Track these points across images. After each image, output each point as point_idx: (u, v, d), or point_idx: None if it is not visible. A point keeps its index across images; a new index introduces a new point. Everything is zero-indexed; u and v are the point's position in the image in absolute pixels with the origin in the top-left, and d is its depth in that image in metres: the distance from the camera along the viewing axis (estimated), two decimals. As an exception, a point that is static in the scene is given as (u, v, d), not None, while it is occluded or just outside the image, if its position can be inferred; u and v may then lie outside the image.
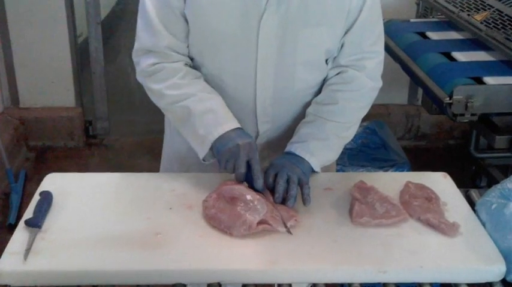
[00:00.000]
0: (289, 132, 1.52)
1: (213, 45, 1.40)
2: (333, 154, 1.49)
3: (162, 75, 1.41)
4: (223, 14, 1.35)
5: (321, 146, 1.44)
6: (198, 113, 1.39)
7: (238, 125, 1.40)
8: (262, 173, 1.35)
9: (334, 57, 1.47)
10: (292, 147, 1.43)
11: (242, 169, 1.33)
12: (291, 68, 1.42)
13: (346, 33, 1.42)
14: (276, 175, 1.35)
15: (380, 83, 1.51)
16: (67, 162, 3.41)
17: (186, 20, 1.39)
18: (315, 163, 1.42)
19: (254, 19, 1.35)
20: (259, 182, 1.33)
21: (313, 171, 1.43)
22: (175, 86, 1.41)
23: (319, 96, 1.49)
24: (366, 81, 1.47)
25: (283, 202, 1.32)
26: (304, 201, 1.32)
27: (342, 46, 1.45)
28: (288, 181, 1.33)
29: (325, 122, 1.45)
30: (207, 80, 1.45)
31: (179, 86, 1.41)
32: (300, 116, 1.52)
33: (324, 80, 1.50)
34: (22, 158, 3.42)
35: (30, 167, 3.36)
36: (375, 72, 1.49)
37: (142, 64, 1.43)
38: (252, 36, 1.37)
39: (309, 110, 1.49)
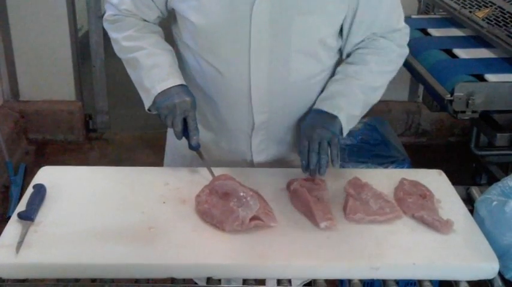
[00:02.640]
0: (287, 126, 1.52)
1: (207, 33, 1.40)
2: (359, 110, 1.49)
3: (121, 25, 1.49)
4: (214, 1, 1.35)
5: (348, 102, 1.45)
6: (145, 67, 1.44)
7: (180, 82, 1.42)
8: (197, 131, 1.41)
9: (357, 43, 1.49)
10: (321, 104, 1.44)
11: (177, 127, 1.39)
12: (286, 57, 1.41)
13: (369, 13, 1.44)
14: (308, 144, 1.37)
15: (407, 50, 1.55)
16: (67, 156, 3.42)
17: (161, 11, 1.47)
18: (343, 118, 1.43)
19: (246, 6, 1.34)
20: (194, 140, 1.40)
21: (341, 131, 1.43)
22: (131, 37, 1.47)
23: (349, 58, 1.51)
24: (395, 48, 1.51)
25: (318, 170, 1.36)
26: (333, 161, 1.39)
27: (368, 23, 1.46)
28: (319, 149, 1.36)
29: (353, 80, 1.47)
30: (204, 70, 1.46)
31: (134, 38, 1.47)
32: (299, 111, 1.51)
33: (321, 73, 1.49)
34: (22, 151, 3.43)
35: (30, 161, 3.37)
36: (403, 41, 1.53)
37: (107, 13, 1.52)
38: (244, 24, 1.36)
39: (339, 69, 1.50)
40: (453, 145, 3.61)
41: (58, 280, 1.15)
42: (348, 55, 1.52)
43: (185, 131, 1.41)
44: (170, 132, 1.68)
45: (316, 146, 1.36)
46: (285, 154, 1.57)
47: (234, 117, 1.49)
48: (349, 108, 1.45)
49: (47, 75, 3.48)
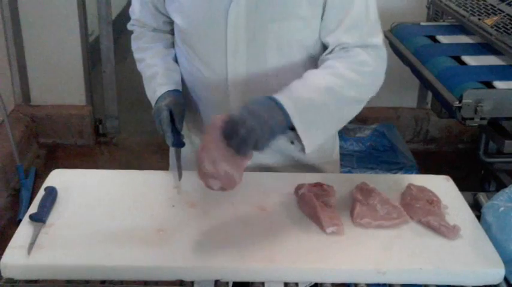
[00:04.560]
0: None
1: (187, 34, 1.45)
2: (320, 117, 1.28)
3: (135, 36, 1.59)
4: (192, 4, 1.39)
5: (308, 97, 1.26)
6: (146, 78, 1.53)
7: (167, 89, 1.47)
8: (181, 127, 1.44)
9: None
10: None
11: (164, 123, 1.40)
12: (263, 61, 1.40)
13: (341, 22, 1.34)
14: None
15: (383, 77, 1.39)
16: (77, 160, 3.44)
17: (166, 15, 1.51)
18: (290, 108, 1.22)
19: (221, 8, 1.36)
20: (168, 141, 1.43)
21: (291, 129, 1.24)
22: (139, 49, 1.58)
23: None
24: (369, 62, 1.34)
25: None
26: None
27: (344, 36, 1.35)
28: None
29: (320, 80, 1.30)
30: (190, 70, 1.49)
31: (141, 49, 1.57)
32: None
33: (301, 73, 1.35)
34: (33, 155, 3.45)
35: (41, 164, 3.39)
36: (379, 62, 1.38)
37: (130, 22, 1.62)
38: (220, 26, 1.37)
39: (306, 73, 1.34)
40: (462, 152, 3.61)
41: (68, 281, 1.17)
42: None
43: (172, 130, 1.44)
44: None
45: (248, 122, 1.16)
46: (265, 158, 1.52)
47: (214, 113, 1.49)
48: (307, 107, 1.25)
49: (58, 80, 3.51)
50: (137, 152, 3.55)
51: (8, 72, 3.42)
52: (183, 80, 1.54)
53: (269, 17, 1.35)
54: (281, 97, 1.24)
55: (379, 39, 1.39)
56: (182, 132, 1.46)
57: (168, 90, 1.47)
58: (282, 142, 1.52)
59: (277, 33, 1.37)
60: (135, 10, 1.56)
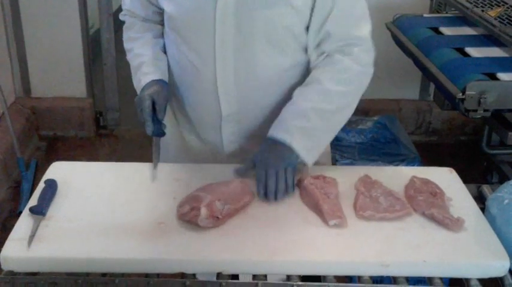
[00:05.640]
0: (259, 119, 1.50)
1: (176, 21, 1.45)
2: (317, 133, 1.39)
3: (126, 26, 1.60)
4: None
5: (302, 128, 1.36)
6: (133, 68, 1.54)
7: (152, 78, 1.47)
8: (162, 117, 1.43)
9: (318, 45, 1.42)
10: (273, 131, 1.37)
11: (145, 112, 1.40)
12: (251, 49, 1.40)
13: (325, 20, 1.38)
14: (265, 173, 1.33)
15: (371, 70, 1.43)
16: (77, 152, 3.43)
17: (156, 5, 1.51)
18: (298, 146, 1.35)
19: None
20: (148, 130, 1.42)
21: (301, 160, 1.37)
22: (129, 39, 1.58)
23: (307, 78, 1.43)
24: (352, 66, 1.40)
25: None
26: (287, 189, 1.34)
27: (324, 34, 1.40)
28: (276, 177, 1.32)
29: (306, 102, 1.38)
30: (179, 59, 1.49)
31: (130, 39, 1.57)
32: (270, 106, 1.48)
33: (291, 68, 1.45)
34: (33, 148, 3.44)
35: (41, 157, 3.38)
36: (362, 58, 1.42)
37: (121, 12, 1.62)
38: (209, 13, 1.37)
39: (295, 92, 1.42)
40: (464, 144, 3.59)
41: (69, 274, 1.16)
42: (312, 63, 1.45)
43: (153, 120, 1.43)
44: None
45: (273, 176, 1.32)
46: (256, 147, 1.50)
47: (203, 107, 1.52)
48: (304, 134, 1.37)
49: (59, 72, 3.49)
50: (138, 144, 3.53)
51: (9, 64, 3.40)
52: (171, 69, 1.54)
53: (258, 3, 1.35)
54: (282, 135, 1.35)
55: (365, 31, 1.42)
56: (164, 122, 1.45)
57: (153, 80, 1.47)
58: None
59: (266, 20, 1.37)
60: (126, 0, 1.57)
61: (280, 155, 1.35)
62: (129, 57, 1.57)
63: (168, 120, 1.52)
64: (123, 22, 1.61)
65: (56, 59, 3.45)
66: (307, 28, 1.41)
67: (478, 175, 2.82)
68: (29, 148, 3.37)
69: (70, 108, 3.54)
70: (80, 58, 3.47)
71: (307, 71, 1.47)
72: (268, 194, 1.32)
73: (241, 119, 1.50)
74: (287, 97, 1.44)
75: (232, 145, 1.54)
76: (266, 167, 1.33)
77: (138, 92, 1.49)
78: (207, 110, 1.51)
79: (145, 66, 1.50)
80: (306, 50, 1.45)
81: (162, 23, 1.55)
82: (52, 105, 3.54)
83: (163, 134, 1.46)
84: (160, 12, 1.52)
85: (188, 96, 1.53)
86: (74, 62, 3.47)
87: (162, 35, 1.57)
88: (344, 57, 1.40)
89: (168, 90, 1.49)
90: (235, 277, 1.20)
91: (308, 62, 1.47)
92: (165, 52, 1.55)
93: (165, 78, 1.51)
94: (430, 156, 3.18)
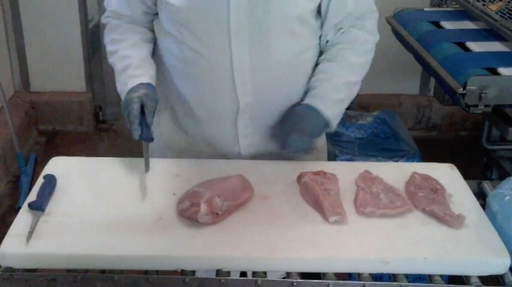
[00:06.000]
0: (272, 108, 1.50)
1: (186, 15, 1.40)
2: (342, 106, 1.50)
3: (108, 28, 1.53)
4: None
5: (331, 100, 1.47)
6: (118, 71, 1.48)
7: (141, 81, 1.42)
8: (151, 121, 1.38)
9: (336, 24, 1.48)
10: (309, 99, 1.47)
11: (133, 114, 1.35)
12: (266, 35, 1.40)
13: (346, 2, 1.45)
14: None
15: (378, 37, 1.55)
16: (77, 146, 3.42)
17: (146, 4, 1.47)
18: (331, 116, 1.45)
19: None
20: (135, 134, 1.37)
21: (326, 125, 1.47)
22: (112, 41, 1.51)
23: (327, 54, 1.51)
24: (368, 38, 1.52)
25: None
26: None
27: (345, 15, 1.47)
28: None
29: (334, 77, 1.48)
30: (186, 56, 1.45)
31: (114, 41, 1.50)
32: (284, 93, 1.49)
33: (303, 52, 1.48)
34: (32, 142, 3.44)
35: (41, 151, 3.38)
36: (374, 29, 1.54)
37: (103, 16, 1.56)
38: (222, 3, 1.35)
39: (319, 67, 1.50)
40: (464, 139, 3.59)
41: (68, 270, 1.15)
42: (327, 42, 1.51)
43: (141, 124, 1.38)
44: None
45: (304, 137, 1.42)
46: (271, 140, 1.55)
47: (219, 100, 1.48)
48: (335, 104, 1.48)
49: (58, 66, 3.48)
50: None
51: (8, 58, 3.39)
52: (170, 69, 1.50)
53: None
54: (319, 104, 1.45)
55: (373, 2, 1.54)
56: (152, 128, 1.40)
57: (142, 83, 1.42)
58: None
59: (280, 6, 1.37)
60: (111, 1, 1.51)
61: (314, 121, 1.44)
62: (112, 60, 1.50)
63: (166, 126, 1.53)
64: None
65: (55, 53, 3.44)
66: (319, 12, 1.46)
67: (478, 170, 2.81)
68: (28, 142, 3.36)
69: (69, 103, 3.53)
70: (79, 52, 3.46)
71: (316, 56, 1.51)
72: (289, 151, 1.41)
73: (256, 110, 1.49)
74: (298, 85, 1.50)
75: (246, 140, 1.53)
76: (301, 130, 1.41)
77: (122, 97, 1.43)
78: (224, 103, 1.47)
79: (132, 69, 1.44)
80: (316, 33, 1.49)
81: (149, 26, 1.52)
82: (51, 99, 3.53)
83: (151, 139, 1.39)
84: (150, 12, 1.49)
85: (200, 94, 1.49)
86: (73, 56, 3.46)
87: (150, 39, 1.52)
88: (360, 31, 1.50)
89: (156, 95, 1.43)
90: (243, 274, 1.19)
91: (317, 46, 1.51)
92: (153, 58, 1.51)
93: (154, 83, 1.46)
94: (429, 151, 3.18)
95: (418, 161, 2.70)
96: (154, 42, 1.54)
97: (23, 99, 3.49)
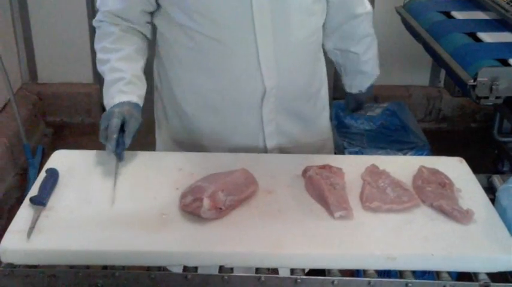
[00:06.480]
0: (294, 90, 1.52)
1: (206, 4, 1.38)
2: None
3: (100, 34, 1.49)
4: None
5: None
6: (108, 82, 1.44)
7: (129, 99, 1.39)
8: (128, 141, 1.37)
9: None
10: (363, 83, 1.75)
11: (112, 130, 1.33)
12: (286, 14, 1.42)
13: None
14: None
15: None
16: (84, 138, 3.41)
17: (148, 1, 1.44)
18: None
19: None
20: (111, 147, 1.34)
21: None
22: (104, 49, 1.47)
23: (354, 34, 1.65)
24: (370, 7, 1.67)
25: None
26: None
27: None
28: None
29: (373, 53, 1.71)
30: (206, 48, 1.43)
31: (106, 50, 1.46)
32: (304, 72, 1.53)
33: (319, 29, 1.55)
34: (40, 134, 3.43)
35: (48, 143, 3.37)
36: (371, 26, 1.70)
37: (95, 18, 1.51)
38: None
39: (356, 48, 1.67)
40: (475, 131, 3.55)
41: (69, 267, 1.14)
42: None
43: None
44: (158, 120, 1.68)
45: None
46: (292, 125, 1.57)
47: (243, 87, 1.47)
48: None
49: (65, 58, 3.47)
50: (145, 130, 3.45)
51: (15, 50, 3.39)
52: (181, 64, 1.49)
53: None
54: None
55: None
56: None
57: (130, 101, 1.39)
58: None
59: None
60: (106, 1, 1.45)
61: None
62: (102, 69, 1.46)
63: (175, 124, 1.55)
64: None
65: (63, 45, 3.43)
66: None
67: (488, 162, 2.77)
68: (35, 134, 3.36)
69: (77, 94, 3.53)
70: (87, 43, 3.45)
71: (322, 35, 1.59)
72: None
73: (281, 93, 1.49)
74: (316, 63, 1.59)
75: (271, 126, 1.53)
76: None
77: (106, 107, 1.41)
78: (248, 89, 1.47)
79: (122, 84, 1.41)
80: (324, 11, 1.54)
81: (144, 30, 1.49)
82: (58, 91, 3.52)
83: (122, 159, 1.35)
84: (147, 11, 1.46)
85: (222, 85, 1.47)
86: (80, 47, 3.45)
87: (143, 51, 1.49)
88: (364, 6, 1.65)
89: (141, 117, 1.40)
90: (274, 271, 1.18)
91: (321, 27, 1.57)
92: (145, 73, 1.49)
93: (141, 103, 1.43)
94: (439, 144, 3.14)
95: (427, 154, 2.67)
96: (152, 47, 1.53)
97: (30, 91, 3.48)
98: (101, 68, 1.47)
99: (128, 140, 1.36)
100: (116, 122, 1.34)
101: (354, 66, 1.72)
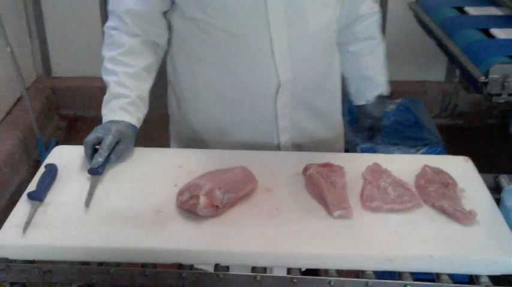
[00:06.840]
0: (309, 85, 1.51)
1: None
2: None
3: (108, 43, 1.46)
4: None
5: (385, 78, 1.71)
6: (111, 93, 1.42)
7: (129, 121, 1.40)
8: (109, 159, 1.34)
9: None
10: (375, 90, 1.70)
11: (105, 144, 1.33)
12: (301, 6, 1.40)
13: None
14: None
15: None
16: (97, 132, 3.43)
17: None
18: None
19: None
20: (98, 161, 1.32)
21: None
22: (113, 60, 1.44)
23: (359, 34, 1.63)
24: (376, 7, 1.65)
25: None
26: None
27: None
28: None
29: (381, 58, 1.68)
30: (220, 41, 1.42)
31: (116, 61, 1.43)
32: (319, 65, 1.51)
33: (333, 23, 1.52)
34: (54, 127, 3.46)
35: (62, 136, 3.40)
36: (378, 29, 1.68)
37: (107, 23, 1.48)
38: None
39: (363, 52, 1.65)
40: (492, 127, 3.49)
41: (64, 262, 1.13)
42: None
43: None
44: (172, 115, 1.67)
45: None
46: (306, 119, 1.56)
47: (258, 80, 1.46)
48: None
49: (79, 52, 3.49)
50: (157, 125, 3.43)
51: (29, 44, 3.41)
52: (191, 65, 1.49)
53: None
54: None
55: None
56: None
57: (130, 123, 1.40)
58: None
59: None
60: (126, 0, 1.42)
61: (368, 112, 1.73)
62: (107, 78, 1.44)
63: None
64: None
65: (76, 39, 3.45)
66: None
67: (506, 159, 2.72)
68: (49, 127, 3.38)
69: (90, 88, 3.53)
70: (100, 37, 3.38)
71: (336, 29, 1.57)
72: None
73: (296, 86, 1.48)
74: (331, 57, 1.56)
75: (285, 120, 1.52)
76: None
77: (104, 118, 1.41)
78: (263, 82, 1.46)
79: (126, 103, 1.40)
80: (338, 2, 1.51)
81: (160, 39, 1.47)
82: (72, 84, 3.54)
83: (100, 173, 1.32)
84: (164, 10, 1.45)
85: (237, 79, 1.46)
86: (93, 41, 3.45)
87: (154, 66, 1.48)
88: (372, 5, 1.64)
89: (133, 140, 1.41)
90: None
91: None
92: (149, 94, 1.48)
93: (138, 126, 1.43)
94: (455, 140, 3.09)
95: (441, 150, 2.63)
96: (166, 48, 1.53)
97: (44, 84, 3.51)
98: (106, 77, 1.45)
99: (113, 159, 1.35)
100: (111, 140, 1.33)
101: (354, 69, 1.67)
